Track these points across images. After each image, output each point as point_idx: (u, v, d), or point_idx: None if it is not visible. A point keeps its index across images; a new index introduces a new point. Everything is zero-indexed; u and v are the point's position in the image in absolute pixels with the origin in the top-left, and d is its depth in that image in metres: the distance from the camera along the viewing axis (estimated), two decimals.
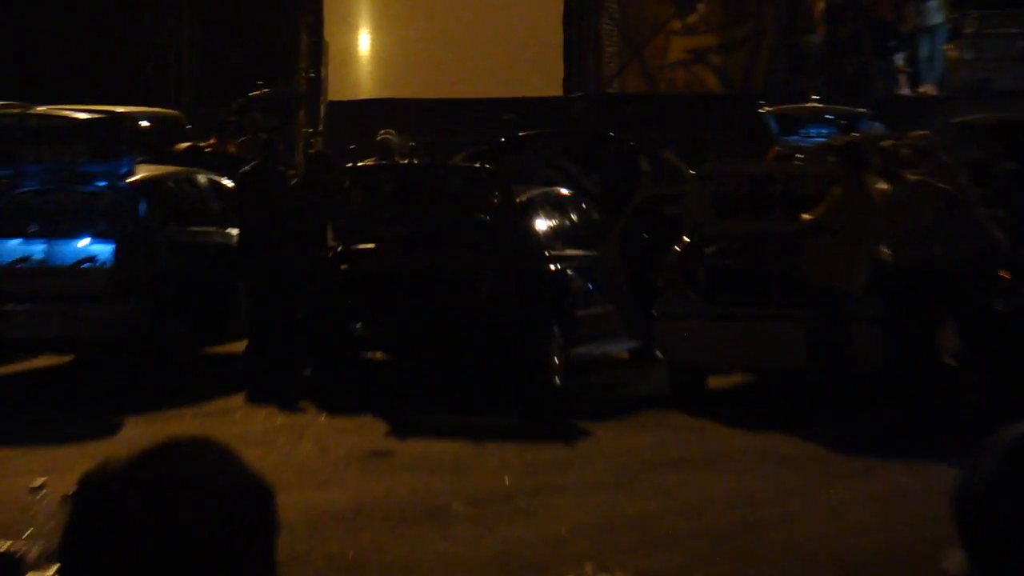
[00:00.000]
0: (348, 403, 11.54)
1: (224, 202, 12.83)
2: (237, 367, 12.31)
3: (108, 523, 1.49)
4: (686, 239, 11.98)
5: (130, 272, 11.77)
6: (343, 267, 11.99)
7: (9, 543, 4.74)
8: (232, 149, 14.91)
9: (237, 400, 11.71)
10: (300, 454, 9.98)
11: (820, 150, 14.99)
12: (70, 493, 1.51)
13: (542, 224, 12.72)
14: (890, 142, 12.50)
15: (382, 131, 16.16)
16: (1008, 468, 1.45)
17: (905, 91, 21.29)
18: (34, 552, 4.03)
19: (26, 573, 4.55)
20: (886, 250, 11.27)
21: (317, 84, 23.20)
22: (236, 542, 1.52)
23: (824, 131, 17.62)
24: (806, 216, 11.13)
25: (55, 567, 1.49)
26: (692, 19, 23.81)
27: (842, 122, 17.90)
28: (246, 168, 12.75)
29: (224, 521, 1.51)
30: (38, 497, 4.55)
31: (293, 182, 13.19)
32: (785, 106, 18.92)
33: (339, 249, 12.27)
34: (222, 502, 1.53)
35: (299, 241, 12.35)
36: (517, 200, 12.37)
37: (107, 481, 1.51)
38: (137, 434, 10.12)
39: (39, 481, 4.45)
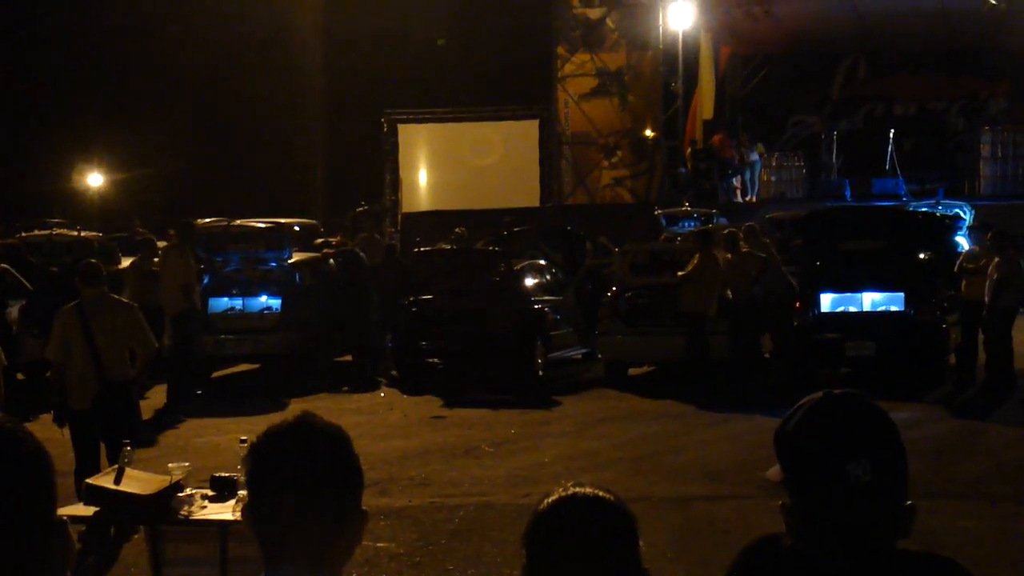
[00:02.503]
0: (419, 388, 11.48)
1: (349, 276, 12.49)
2: (354, 371, 12.21)
3: (274, 464, 1.39)
4: (614, 288, 12.07)
5: (291, 315, 11.79)
6: (414, 309, 12.02)
7: (229, 473, 4.86)
8: (351, 244, 14.91)
9: (352, 388, 11.60)
10: (392, 418, 9.92)
11: (689, 235, 15.10)
12: (249, 446, 1.42)
13: (529, 282, 12.71)
14: (730, 229, 12.62)
15: (457, 228, 16.20)
16: (807, 419, 1.42)
17: (738, 199, 21.35)
18: (242, 478, 4.10)
19: (238, 491, 4.69)
20: (729, 292, 11.31)
21: (396, 203, 23.30)
22: (340, 468, 1.38)
23: (692, 224, 17.64)
24: (680, 272, 11.12)
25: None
26: (614, 160, 23.89)
27: (702, 218, 17.92)
28: (377, 261, 12.79)
29: (333, 458, 1.38)
30: (244, 446, 4.58)
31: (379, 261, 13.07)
32: (669, 209, 18.98)
33: (412, 299, 12.28)
34: (329, 446, 1.39)
35: (387, 295, 12.37)
36: (514, 268, 12.43)
37: (270, 439, 1.42)
38: (295, 409, 10.15)
39: (244, 437, 4.37)
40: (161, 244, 11.53)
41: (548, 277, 13.32)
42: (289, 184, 22.18)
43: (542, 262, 13.77)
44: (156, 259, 10.98)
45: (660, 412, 9.98)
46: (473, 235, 16.46)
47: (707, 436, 8.90)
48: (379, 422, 9.74)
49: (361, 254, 12.76)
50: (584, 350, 12.91)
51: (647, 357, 11.85)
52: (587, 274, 13.56)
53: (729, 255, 11.36)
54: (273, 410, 9.64)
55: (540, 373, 11.64)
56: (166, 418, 9.84)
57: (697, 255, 11.11)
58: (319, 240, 15.38)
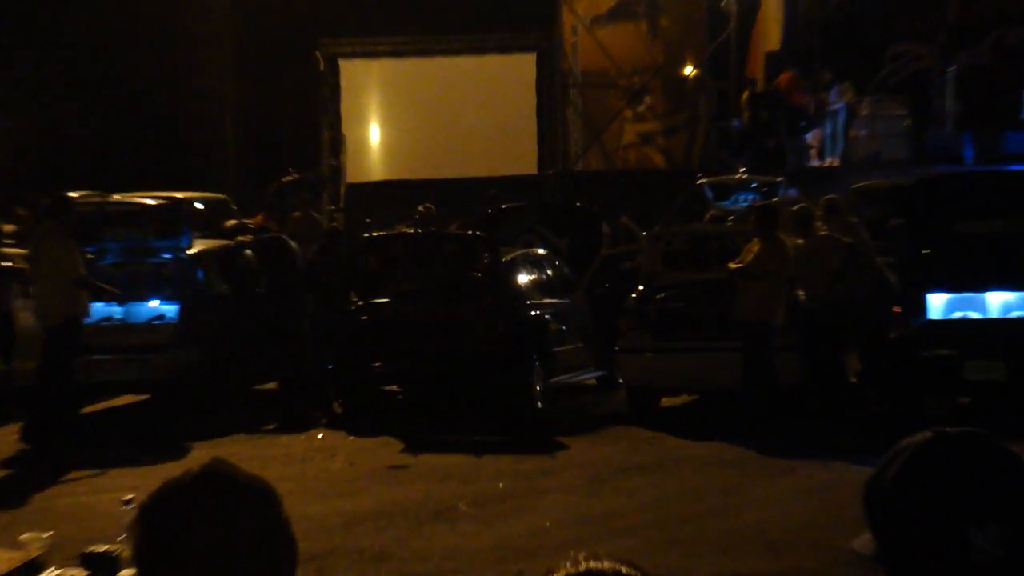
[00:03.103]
0: (371, 427, 11.55)
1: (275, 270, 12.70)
2: (282, 404, 12.25)
3: (166, 531, 1.47)
4: (641, 287, 12.09)
5: (192, 327, 11.80)
6: (363, 317, 12.02)
7: (108, 545, 4.89)
8: (275, 228, 14.96)
9: (278, 427, 11.69)
10: (334, 469, 9.99)
11: (745, 212, 15.14)
12: (138, 507, 1.49)
13: (523, 278, 12.72)
14: (803, 205, 12.65)
15: (422, 205, 16.25)
16: (911, 469, 1.44)
17: (814, 163, 21.42)
18: (126, 553, 4.15)
19: (121, 570, 4.72)
20: (800, 292, 11.36)
21: (337, 170, 23.30)
22: (266, 539, 1.49)
23: (750, 197, 17.68)
24: (732, 265, 11.08)
25: None
26: (641, 109, 23.95)
27: (764, 189, 17.99)
28: (313, 251, 12.80)
29: (256, 523, 1.49)
30: (129, 508, 4.58)
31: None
32: (718, 177, 19.03)
33: (359, 303, 12.27)
34: (251, 508, 1.50)
35: (327, 298, 12.43)
36: (503, 259, 12.40)
37: (167, 499, 1.50)
38: (201, 456, 10.23)
39: (129, 496, 4.34)
40: (7, 227, 11.54)
41: (550, 272, 13.36)
42: (189, 146, 22.16)
43: (541, 251, 13.80)
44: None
45: (705, 459, 10.05)
46: (445, 214, 16.49)
47: (769, 491, 9.00)
48: (317, 474, 9.81)
49: (290, 242, 12.76)
50: (599, 373, 13.04)
51: (687, 383, 11.92)
52: (603, 268, 13.61)
53: (801, 240, 11.42)
54: (169, 458, 9.70)
55: (539, 405, 11.73)
56: (22, 469, 9.92)
57: (757, 241, 11.11)
58: (231, 222, 15.43)
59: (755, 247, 11.06)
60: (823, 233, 11.53)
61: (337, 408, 12.28)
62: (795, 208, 12.19)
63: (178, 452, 10.26)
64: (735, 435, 10.72)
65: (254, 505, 1.48)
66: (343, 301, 12.36)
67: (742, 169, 19.80)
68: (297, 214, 16.79)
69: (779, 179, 18.25)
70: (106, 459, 10.13)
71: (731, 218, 15.22)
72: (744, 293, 11.02)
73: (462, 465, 9.99)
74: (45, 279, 10.54)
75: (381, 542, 7.77)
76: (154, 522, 1.46)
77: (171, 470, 1.48)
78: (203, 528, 1.45)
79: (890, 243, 12.17)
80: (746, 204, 16.76)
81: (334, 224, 15.83)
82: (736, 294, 11.08)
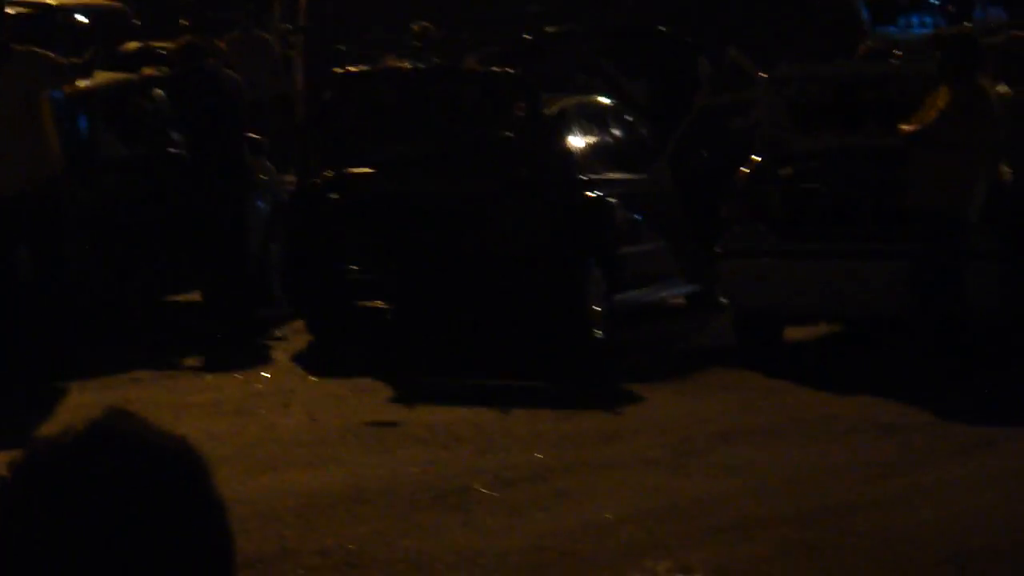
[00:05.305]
0: (342, 364, 11.65)
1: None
2: (209, 323, 12.42)
3: (36, 515, 1.52)
4: (756, 158, 12.02)
5: (69, 208, 11.73)
6: (333, 196, 12.05)
7: None
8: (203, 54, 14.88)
9: (204, 360, 11.86)
10: (286, 427, 10.06)
11: (924, 44, 14.92)
12: None
13: (577, 142, 12.76)
14: (1016, 33, 12.47)
15: (417, 23, 16.18)
16: None
17: None
18: None
19: None
20: (1007, 168, 11.30)
21: None
22: (187, 531, 1.55)
23: (928, 20, 17.52)
24: (906, 127, 11.13)
25: None
26: None
27: (951, 8, 17.80)
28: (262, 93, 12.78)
29: (172, 508, 1.54)
30: None
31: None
32: None
33: (328, 174, 12.31)
34: (165, 485, 1.55)
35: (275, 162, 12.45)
36: (546, 112, 12.39)
37: (39, 469, 1.54)
38: (87, 404, 10.26)
39: None
40: None
41: (617, 133, 13.39)
42: None
43: (604, 100, 13.78)
44: None
45: (851, 423, 10.10)
46: (460, 41, 16.38)
47: (954, 476, 9.03)
48: (261, 433, 9.86)
49: (226, 73, 12.75)
50: (691, 288, 13.13)
51: (825, 305, 11.94)
52: (700, 127, 13.54)
53: (1009, 89, 11.40)
54: (39, 409, 9.74)
55: (598, 334, 11.78)
56: None
57: (944, 90, 11.13)
58: (131, 45, 15.36)
59: (940, 99, 11.08)
60: None
61: (287, 330, 12.44)
62: (1002, 39, 12.08)
63: (51, 398, 10.32)
64: (899, 387, 10.75)
65: (169, 480, 1.52)
66: (307, 170, 12.49)
67: None
68: (236, 34, 16.68)
69: None
70: None
71: (898, 52, 15.01)
72: (922, 170, 11.05)
73: (479, 424, 10.05)
74: None
75: (356, 539, 7.79)
76: (18, 502, 1.51)
77: (43, 429, 1.38)
78: (90, 514, 1.49)
79: None
80: (924, 31, 16.58)
81: (288, 52, 15.71)
82: (909, 171, 11.09)
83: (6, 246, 11.09)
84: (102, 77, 12.79)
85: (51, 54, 11.28)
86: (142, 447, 1.54)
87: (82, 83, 12.23)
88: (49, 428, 9.55)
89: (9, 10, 12.97)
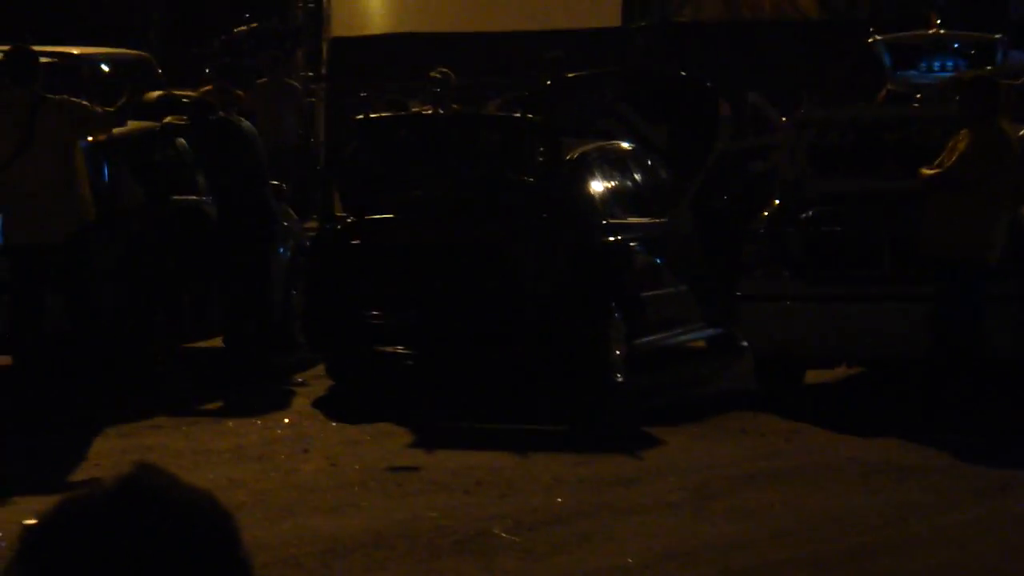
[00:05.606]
0: (363, 409, 11.67)
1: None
2: (229, 368, 12.46)
3: (61, 573, 1.51)
4: (777, 202, 12.03)
5: (91, 255, 11.79)
6: (354, 242, 12.07)
7: None
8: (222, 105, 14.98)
9: (224, 406, 11.86)
10: (306, 472, 10.08)
11: (945, 88, 14.92)
12: (22, 535, 1.54)
13: (598, 186, 12.75)
14: None
15: (437, 69, 16.23)
16: None
17: None
18: None
19: None
20: None
21: (318, 16, 23.27)
22: None
23: (950, 64, 17.52)
24: (926, 171, 11.11)
25: None
26: None
27: (972, 52, 17.80)
28: (281, 139, 12.80)
29: (200, 566, 1.54)
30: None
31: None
32: (900, 34, 18.87)
33: (349, 220, 12.33)
34: (195, 544, 1.55)
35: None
36: (567, 157, 12.42)
37: (68, 524, 1.54)
38: (105, 451, 10.31)
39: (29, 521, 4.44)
40: None
41: (639, 177, 13.40)
42: None
43: (626, 145, 13.81)
44: None
45: (872, 465, 10.08)
46: (479, 85, 16.44)
47: (975, 518, 9.03)
48: (282, 479, 9.89)
49: (246, 125, 12.85)
50: (712, 331, 13.11)
51: (846, 348, 11.94)
52: (721, 171, 13.55)
53: None
54: (62, 456, 9.77)
55: (618, 378, 11.78)
56: None
57: (965, 133, 11.10)
58: (154, 94, 15.44)
59: (961, 143, 11.06)
60: None
61: (309, 378, 12.45)
62: (1022, 82, 12.13)
63: (73, 445, 10.35)
64: (919, 429, 10.75)
65: (197, 538, 1.53)
66: (327, 216, 12.56)
67: (938, 21, 19.58)
68: (265, 81, 16.80)
69: (997, 36, 18.06)
70: None
71: (920, 96, 15.05)
72: (942, 213, 11.01)
73: (500, 468, 10.05)
74: None
75: None
76: (45, 559, 1.50)
77: (66, 474, 1.40)
78: (118, 571, 1.49)
79: None
80: (945, 75, 16.57)
81: (312, 100, 15.81)
82: (929, 215, 11.08)
83: (38, 294, 11.19)
84: (123, 127, 12.92)
85: (85, 103, 11.43)
86: (171, 504, 1.53)
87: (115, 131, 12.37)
88: (72, 476, 9.65)
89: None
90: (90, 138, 12.04)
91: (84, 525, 1.51)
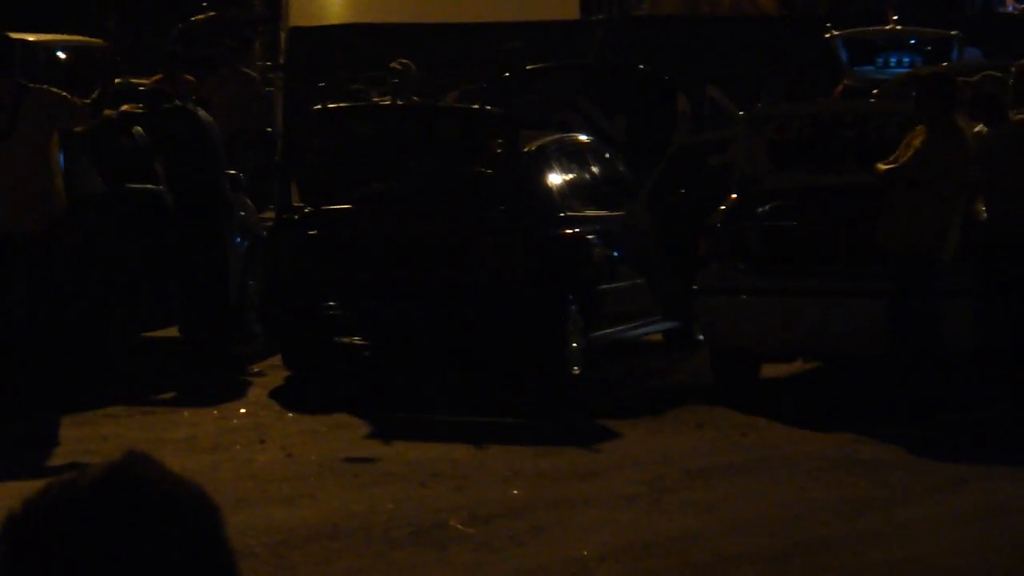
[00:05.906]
0: (319, 400, 11.64)
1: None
2: (186, 357, 12.47)
3: (47, 563, 1.51)
4: (734, 196, 12.05)
5: (48, 246, 11.75)
6: (311, 233, 12.05)
7: None
8: (177, 94, 14.92)
9: (180, 395, 11.84)
10: (262, 463, 10.08)
11: (901, 84, 14.97)
12: (3, 521, 1.53)
13: (556, 179, 12.79)
14: (988, 73, 12.50)
15: (396, 60, 16.21)
16: None
17: (1010, 8, 21.23)
18: None
19: None
20: (983, 208, 11.31)
21: (277, 6, 23.20)
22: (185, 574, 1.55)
23: (907, 60, 17.58)
24: (882, 166, 11.12)
25: None
26: None
27: (929, 48, 17.86)
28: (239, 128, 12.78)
29: (186, 556, 1.54)
30: None
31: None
32: (857, 29, 18.92)
33: (306, 211, 12.33)
34: (181, 532, 1.56)
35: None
36: (525, 149, 12.44)
37: (48, 515, 1.53)
38: (63, 438, 10.27)
39: None
40: None
41: (596, 170, 13.43)
42: None
43: (583, 138, 13.83)
44: None
45: (827, 459, 10.10)
46: (436, 77, 16.38)
47: (930, 513, 9.06)
48: (237, 469, 9.90)
49: (202, 114, 12.81)
50: (668, 324, 13.15)
51: (801, 342, 11.97)
52: (678, 165, 13.58)
53: (986, 129, 11.40)
54: (18, 448, 9.78)
55: (575, 371, 11.80)
56: None
57: (920, 130, 11.12)
58: (116, 80, 15.33)
59: (916, 139, 11.08)
60: (1020, 118, 11.40)
61: (264, 367, 12.44)
62: (978, 78, 12.11)
63: (28, 435, 10.34)
64: (875, 424, 10.77)
65: (184, 528, 1.53)
66: (284, 206, 12.53)
67: (895, 17, 19.66)
68: (224, 71, 16.72)
69: (953, 32, 18.14)
70: None
71: (876, 92, 15.09)
72: (897, 209, 11.05)
73: (457, 460, 10.05)
74: None
75: None
76: (28, 547, 1.50)
77: (51, 470, 1.38)
78: (104, 558, 1.49)
79: None
80: (902, 71, 16.63)
81: (270, 90, 15.76)
82: (884, 210, 11.09)
83: (5, 283, 11.12)
84: None
85: (66, 95, 11.34)
86: (159, 495, 1.54)
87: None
88: (25, 464, 9.59)
89: None
90: (77, 129, 11.99)
91: (72, 511, 1.51)
